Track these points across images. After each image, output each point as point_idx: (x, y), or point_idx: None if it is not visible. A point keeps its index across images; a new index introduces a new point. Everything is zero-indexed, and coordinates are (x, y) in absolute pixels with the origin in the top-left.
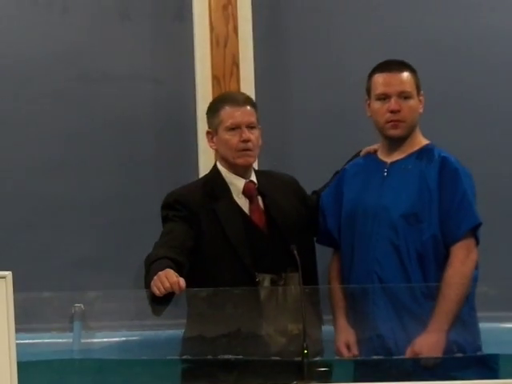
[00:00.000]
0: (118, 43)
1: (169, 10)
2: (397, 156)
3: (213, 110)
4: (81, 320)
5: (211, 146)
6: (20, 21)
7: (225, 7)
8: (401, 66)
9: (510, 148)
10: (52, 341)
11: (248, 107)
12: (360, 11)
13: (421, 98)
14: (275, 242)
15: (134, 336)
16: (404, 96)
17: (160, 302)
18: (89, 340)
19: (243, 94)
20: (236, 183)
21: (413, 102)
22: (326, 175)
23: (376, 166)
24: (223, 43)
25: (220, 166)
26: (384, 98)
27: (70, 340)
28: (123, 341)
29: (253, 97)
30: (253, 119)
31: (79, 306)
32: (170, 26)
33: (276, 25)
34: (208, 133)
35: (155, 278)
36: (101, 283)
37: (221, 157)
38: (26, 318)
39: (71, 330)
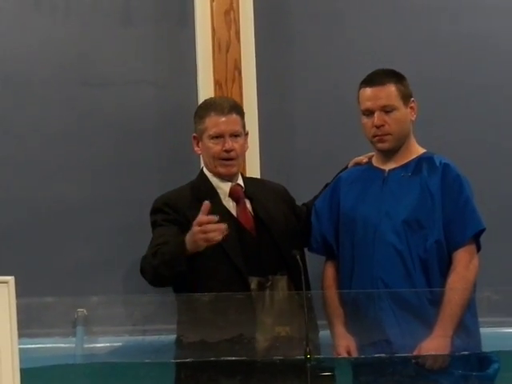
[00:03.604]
0: (120, 48)
1: (171, 14)
2: (394, 164)
3: (199, 115)
4: (83, 325)
5: (196, 151)
6: (22, 25)
7: (227, 12)
8: (384, 78)
9: (509, 151)
10: (55, 346)
11: (233, 115)
12: (361, 15)
13: (412, 105)
14: (264, 244)
15: (137, 341)
16: (386, 110)
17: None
18: (91, 345)
19: (230, 100)
20: (222, 187)
21: (398, 114)
22: (328, 178)
23: (373, 174)
24: (225, 48)
25: (206, 171)
26: (368, 113)
27: (73, 345)
28: (126, 346)
29: (255, 102)
30: (237, 128)
31: (82, 310)
32: (172, 30)
33: (278, 30)
34: (194, 137)
35: (189, 234)
36: (103, 288)
37: (205, 162)
38: (28, 323)
39: (74, 335)
